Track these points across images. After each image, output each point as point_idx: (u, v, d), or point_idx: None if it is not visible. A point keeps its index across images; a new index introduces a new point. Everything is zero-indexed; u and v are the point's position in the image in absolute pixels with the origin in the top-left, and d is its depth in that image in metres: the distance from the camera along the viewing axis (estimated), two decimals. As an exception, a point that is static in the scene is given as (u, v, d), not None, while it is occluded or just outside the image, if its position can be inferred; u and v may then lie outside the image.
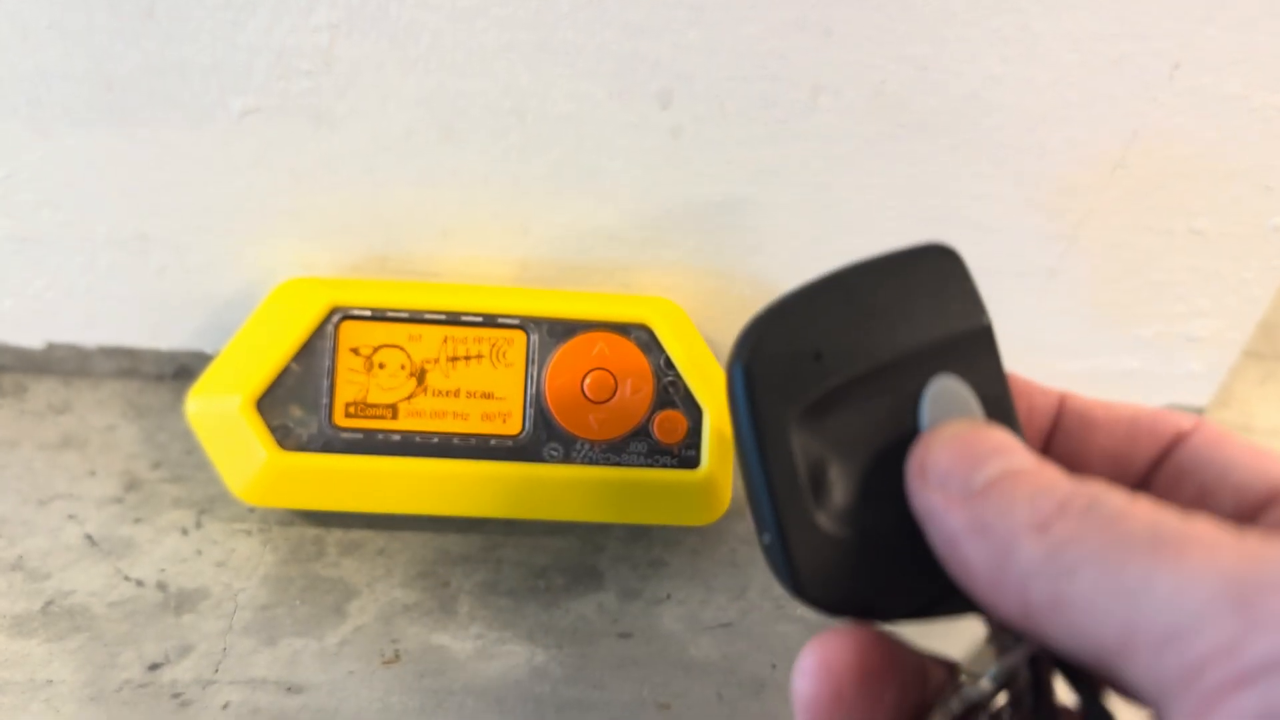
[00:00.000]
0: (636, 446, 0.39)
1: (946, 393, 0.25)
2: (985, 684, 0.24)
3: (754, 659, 0.39)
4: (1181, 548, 0.18)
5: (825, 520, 0.24)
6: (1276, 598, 0.17)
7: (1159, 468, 0.26)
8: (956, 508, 0.22)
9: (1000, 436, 0.23)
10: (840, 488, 0.25)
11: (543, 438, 0.39)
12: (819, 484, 0.25)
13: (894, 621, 0.25)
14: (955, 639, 0.28)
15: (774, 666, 0.39)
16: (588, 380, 0.39)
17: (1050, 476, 0.21)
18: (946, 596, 0.24)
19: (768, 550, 0.25)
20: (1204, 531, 0.18)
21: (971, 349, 0.26)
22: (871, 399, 0.25)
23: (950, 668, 0.26)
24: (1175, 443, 0.26)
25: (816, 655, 0.24)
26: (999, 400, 0.26)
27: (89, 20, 0.35)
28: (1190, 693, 0.17)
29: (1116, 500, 0.20)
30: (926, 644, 0.26)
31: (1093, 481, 0.21)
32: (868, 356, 0.25)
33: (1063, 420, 0.28)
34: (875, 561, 0.25)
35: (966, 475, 0.22)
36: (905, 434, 0.25)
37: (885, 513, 0.24)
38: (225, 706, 0.36)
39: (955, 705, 0.24)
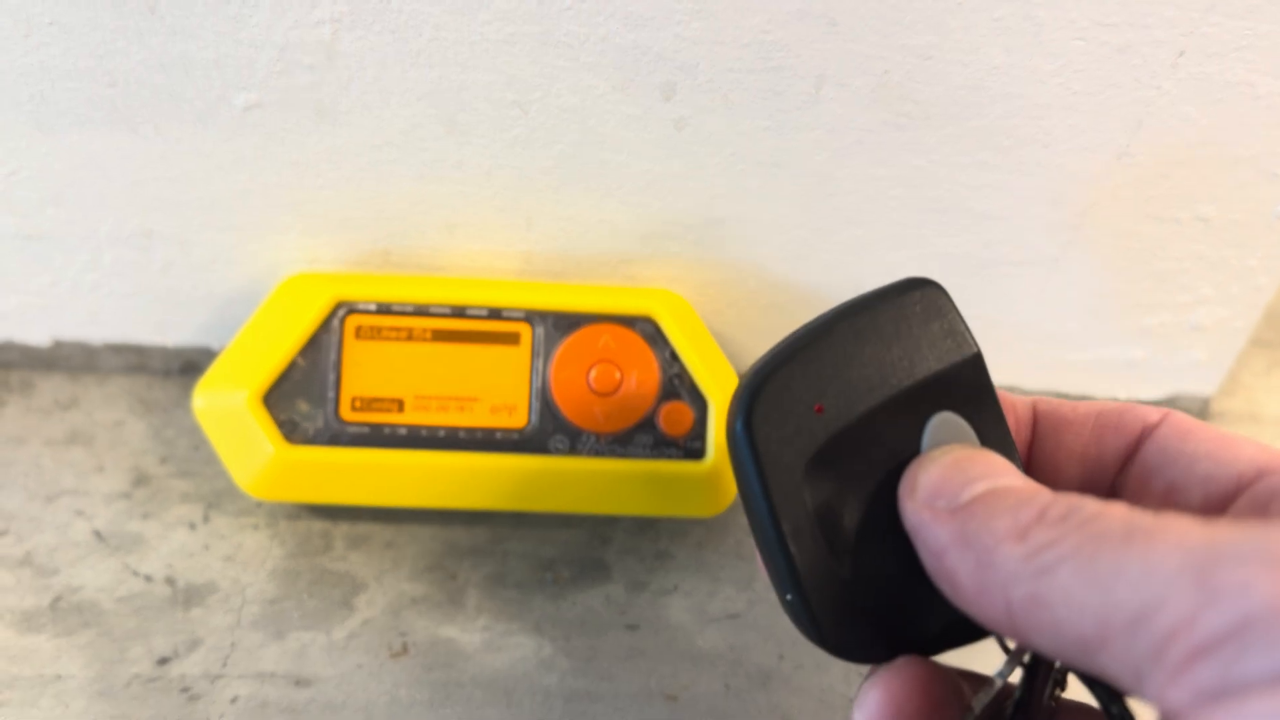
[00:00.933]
0: (642, 439, 0.39)
1: (946, 428, 0.25)
2: (996, 681, 0.24)
3: (761, 650, 0.39)
4: (1151, 537, 0.18)
5: (842, 569, 0.25)
6: (1232, 569, 0.17)
7: (1130, 465, 0.27)
8: (943, 521, 0.22)
9: (990, 459, 0.24)
10: (855, 532, 0.25)
11: (548, 430, 0.39)
12: (832, 532, 0.25)
13: (921, 655, 0.25)
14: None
15: (781, 657, 0.39)
16: (593, 373, 0.39)
17: (1034, 491, 0.22)
18: (964, 623, 0.24)
19: (790, 608, 0.25)
20: (1174, 522, 0.19)
21: (965, 380, 0.26)
22: (875, 442, 0.25)
23: (981, 682, 0.26)
24: (1143, 437, 0.27)
25: (884, 699, 0.25)
26: (995, 429, 0.26)
27: (92, 17, 0.35)
28: (1158, 670, 0.17)
29: (1093, 505, 0.20)
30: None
31: (1074, 494, 0.21)
32: (867, 400, 0.25)
33: (1038, 426, 0.29)
34: (894, 601, 0.25)
35: (954, 492, 0.23)
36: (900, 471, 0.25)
37: (897, 551, 0.24)
38: (234, 700, 0.36)
39: (976, 707, 0.24)
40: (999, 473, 0.23)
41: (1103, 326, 0.46)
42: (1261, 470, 0.24)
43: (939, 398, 0.26)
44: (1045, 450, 0.28)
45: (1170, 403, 0.50)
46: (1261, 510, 0.23)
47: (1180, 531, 0.18)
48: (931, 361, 0.26)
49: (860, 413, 0.25)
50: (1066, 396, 0.49)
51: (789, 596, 0.25)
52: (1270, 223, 0.43)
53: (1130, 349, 0.48)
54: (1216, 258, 0.44)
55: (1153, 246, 0.43)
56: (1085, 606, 0.18)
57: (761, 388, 0.25)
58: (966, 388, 0.26)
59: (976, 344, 0.26)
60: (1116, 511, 0.20)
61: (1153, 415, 0.27)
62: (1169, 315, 0.46)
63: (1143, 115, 0.39)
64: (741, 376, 0.25)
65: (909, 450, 0.25)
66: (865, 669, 0.37)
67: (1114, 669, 0.18)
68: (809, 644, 0.39)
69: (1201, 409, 0.51)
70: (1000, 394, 0.28)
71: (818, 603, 0.24)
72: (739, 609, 0.41)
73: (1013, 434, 0.28)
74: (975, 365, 0.26)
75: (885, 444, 0.25)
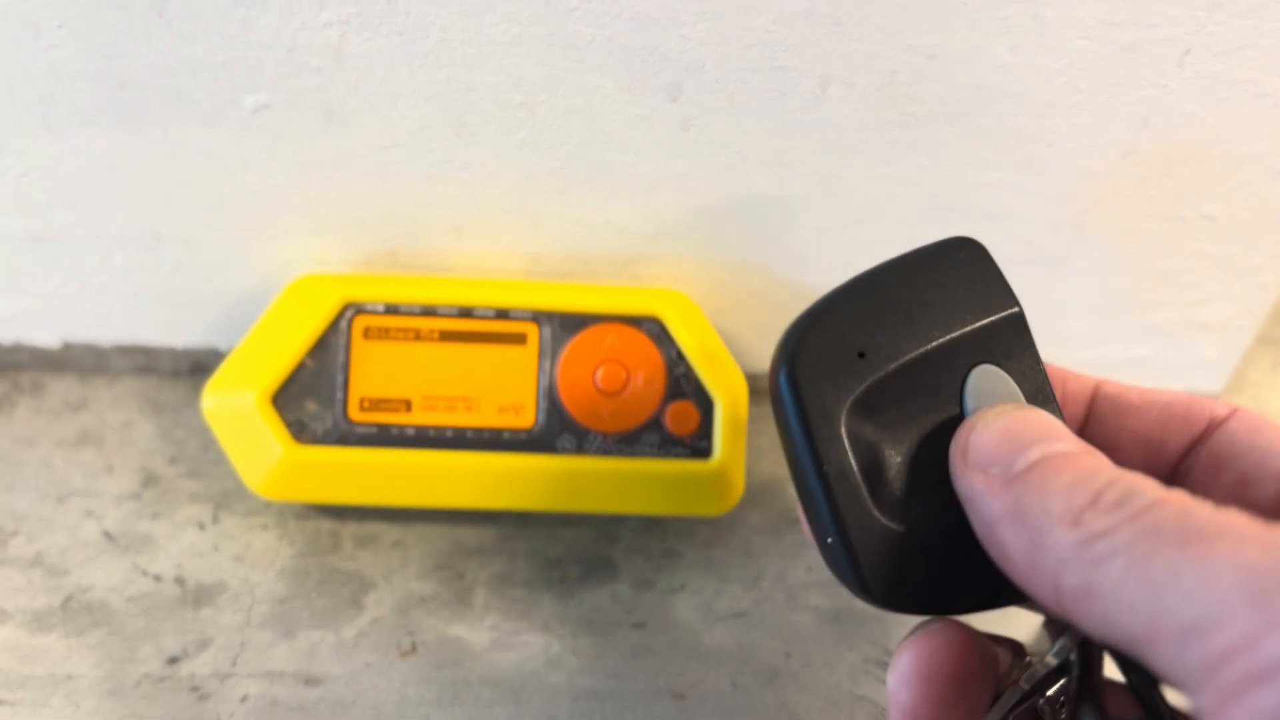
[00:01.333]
0: (649, 438, 0.39)
1: (988, 379, 0.26)
2: (1050, 660, 0.24)
3: (768, 648, 0.39)
4: (1208, 541, 0.18)
5: (884, 516, 0.25)
6: None
7: (1195, 454, 0.26)
8: (996, 491, 0.22)
9: (1043, 420, 0.23)
10: (895, 481, 0.25)
11: (556, 430, 0.39)
12: (874, 479, 0.25)
13: (959, 613, 0.25)
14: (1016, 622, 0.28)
15: (788, 655, 0.39)
16: (600, 372, 0.39)
17: (1090, 464, 0.21)
18: (1008, 586, 0.24)
19: (830, 552, 0.25)
20: (1233, 524, 0.18)
21: (1006, 336, 0.26)
22: (916, 392, 0.26)
23: (1014, 647, 0.26)
24: (1210, 430, 0.26)
25: (916, 662, 0.25)
26: (1037, 384, 0.26)
27: (100, 20, 0.35)
28: (1211, 685, 0.17)
29: (1150, 493, 0.20)
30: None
31: (1131, 473, 0.21)
32: (908, 349, 0.25)
33: (1097, 406, 0.29)
34: (938, 554, 0.25)
35: (1008, 459, 0.22)
36: (952, 423, 0.25)
37: (941, 503, 0.24)
38: (244, 699, 0.36)
39: (1024, 684, 0.24)
40: (1053, 436, 0.23)
41: (1108, 324, 0.46)
42: None
43: (980, 351, 0.26)
44: (1107, 431, 0.28)
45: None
46: None
47: (1239, 539, 0.18)
48: (973, 315, 0.26)
49: (902, 361, 0.25)
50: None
51: (829, 539, 0.25)
52: (1276, 220, 0.43)
53: (1136, 347, 0.48)
54: (1222, 256, 0.44)
55: (1158, 245, 0.43)
56: (1135, 605, 0.18)
57: (807, 332, 0.25)
58: (1008, 343, 0.26)
59: (1018, 302, 0.27)
60: (1174, 503, 0.19)
61: (1221, 409, 0.27)
62: (1175, 313, 0.46)
63: (1148, 114, 0.39)
64: (789, 324, 0.26)
65: (951, 400, 0.26)
66: (879, 667, 0.37)
67: (1159, 667, 0.18)
68: (816, 642, 0.40)
69: (1207, 407, 0.51)
70: (1058, 369, 0.28)
71: (858, 544, 0.24)
72: (746, 607, 0.41)
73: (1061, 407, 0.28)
74: (1016, 322, 0.27)
75: (927, 393, 0.26)
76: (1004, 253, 0.43)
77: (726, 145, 0.39)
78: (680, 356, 0.40)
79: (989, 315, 0.26)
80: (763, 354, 0.47)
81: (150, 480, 0.43)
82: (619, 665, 0.39)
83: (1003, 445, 0.23)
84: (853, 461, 0.25)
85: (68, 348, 0.45)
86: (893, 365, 0.25)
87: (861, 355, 0.25)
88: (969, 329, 0.26)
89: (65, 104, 0.37)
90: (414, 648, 0.38)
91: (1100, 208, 0.42)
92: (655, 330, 0.40)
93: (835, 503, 0.24)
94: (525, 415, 0.39)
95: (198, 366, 0.46)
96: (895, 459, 0.25)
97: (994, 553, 0.22)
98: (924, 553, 0.25)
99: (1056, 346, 0.47)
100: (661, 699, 0.38)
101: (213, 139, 0.38)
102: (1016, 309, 0.27)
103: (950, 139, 0.39)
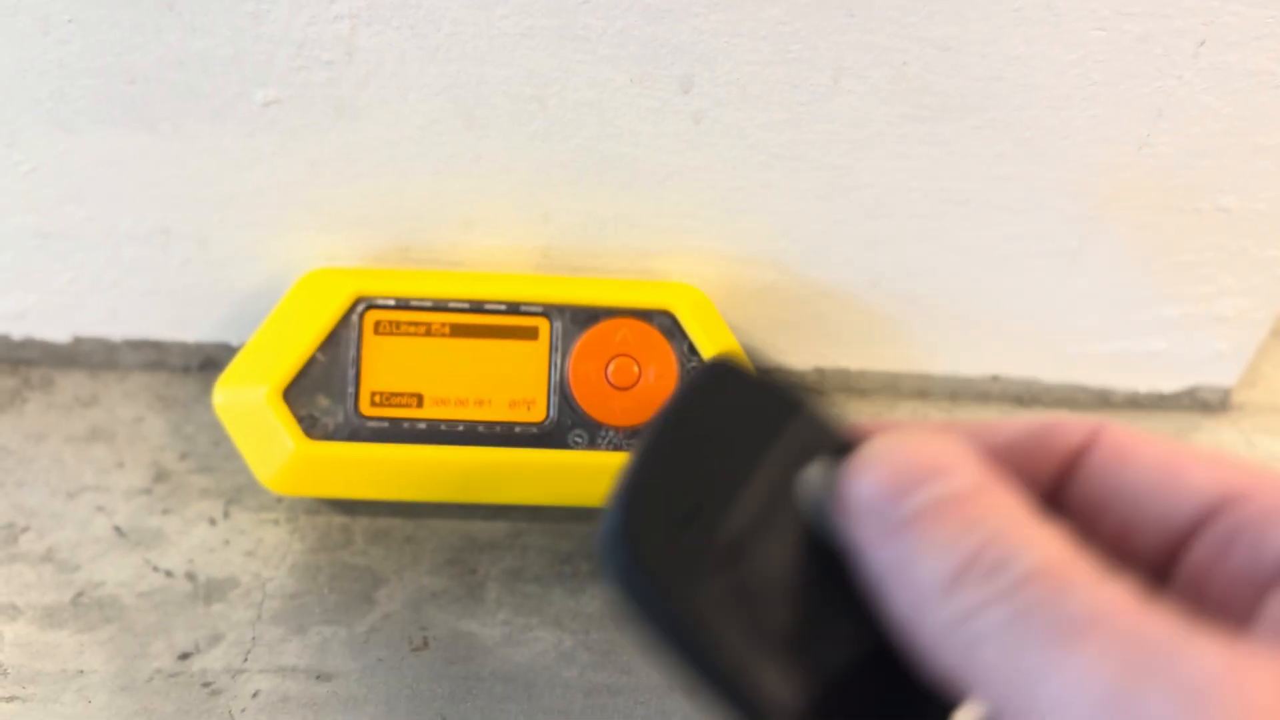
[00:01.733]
0: (661, 432, 0.39)
1: (815, 482, 0.23)
2: None
3: (781, 643, 0.39)
4: (1077, 636, 0.16)
5: (797, 693, 0.21)
6: (1155, 704, 0.15)
7: (1068, 495, 0.23)
8: (880, 543, 0.19)
9: (934, 451, 0.20)
10: (789, 646, 0.21)
11: (567, 424, 0.39)
12: (768, 651, 0.21)
13: None
14: None
15: (801, 651, 0.39)
16: (611, 367, 0.39)
17: (976, 511, 0.19)
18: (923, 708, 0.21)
19: None
20: (1109, 609, 0.17)
21: (807, 434, 0.24)
22: (759, 532, 0.22)
23: None
24: (1073, 460, 0.23)
25: None
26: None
27: (110, 14, 0.35)
28: None
29: (1026, 559, 0.17)
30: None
31: (1018, 519, 0.18)
32: (730, 491, 0.22)
33: None
34: (858, 708, 0.22)
35: (888, 506, 0.19)
36: (811, 549, 0.22)
37: (839, 641, 0.21)
38: (255, 695, 0.36)
39: None
40: (943, 471, 0.19)
41: (1124, 318, 0.46)
42: (1223, 498, 0.20)
43: (795, 459, 0.23)
44: None
45: (1191, 394, 0.50)
46: (1222, 553, 0.20)
47: (1110, 635, 0.16)
48: (768, 432, 0.23)
49: (732, 505, 0.22)
50: (1086, 389, 0.49)
51: None
52: (1292, 213, 0.42)
53: (1151, 340, 0.47)
54: (1237, 248, 0.44)
55: (1173, 237, 0.43)
56: (1009, 700, 0.17)
57: (627, 521, 0.21)
58: (813, 439, 0.24)
59: (798, 399, 0.24)
60: (1051, 578, 0.17)
61: (1075, 434, 0.22)
62: (1190, 306, 0.46)
63: (1163, 105, 0.39)
64: (600, 525, 0.22)
65: (794, 523, 0.23)
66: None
67: None
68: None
69: (1222, 400, 0.51)
70: (914, 423, 0.25)
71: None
72: (758, 603, 0.41)
73: None
74: (807, 418, 0.24)
75: (769, 528, 0.23)
76: (1018, 246, 0.43)
77: (739, 138, 0.39)
78: (692, 350, 0.40)
79: (781, 426, 0.24)
80: (775, 349, 0.47)
81: (161, 476, 0.43)
82: (631, 660, 0.38)
83: (886, 486, 0.20)
84: (743, 641, 0.21)
85: (78, 343, 0.45)
86: (726, 513, 0.22)
87: (691, 516, 0.22)
88: (773, 447, 0.23)
89: (75, 99, 0.37)
90: (425, 643, 0.38)
91: (1115, 200, 0.41)
92: (667, 324, 0.40)
93: (747, 698, 0.20)
94: (536, 410, 0.39)
95: (208, 362, 0.46)
96: (778, 615, 0.22)
97: (883, 613, 0.20)
98: (845, 713, 0.22)
99: (1072, 341, 0.47)
100: (674, 694, 0.38)
101: (223, 134, 0.38)
102: (799, 408, 0.24)
103: (964, 132, 0.39)
